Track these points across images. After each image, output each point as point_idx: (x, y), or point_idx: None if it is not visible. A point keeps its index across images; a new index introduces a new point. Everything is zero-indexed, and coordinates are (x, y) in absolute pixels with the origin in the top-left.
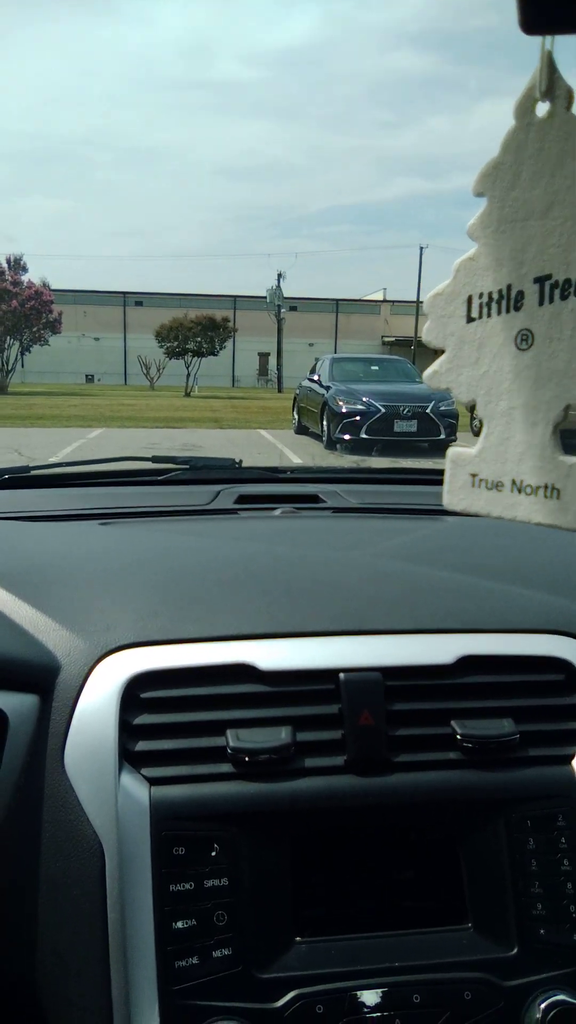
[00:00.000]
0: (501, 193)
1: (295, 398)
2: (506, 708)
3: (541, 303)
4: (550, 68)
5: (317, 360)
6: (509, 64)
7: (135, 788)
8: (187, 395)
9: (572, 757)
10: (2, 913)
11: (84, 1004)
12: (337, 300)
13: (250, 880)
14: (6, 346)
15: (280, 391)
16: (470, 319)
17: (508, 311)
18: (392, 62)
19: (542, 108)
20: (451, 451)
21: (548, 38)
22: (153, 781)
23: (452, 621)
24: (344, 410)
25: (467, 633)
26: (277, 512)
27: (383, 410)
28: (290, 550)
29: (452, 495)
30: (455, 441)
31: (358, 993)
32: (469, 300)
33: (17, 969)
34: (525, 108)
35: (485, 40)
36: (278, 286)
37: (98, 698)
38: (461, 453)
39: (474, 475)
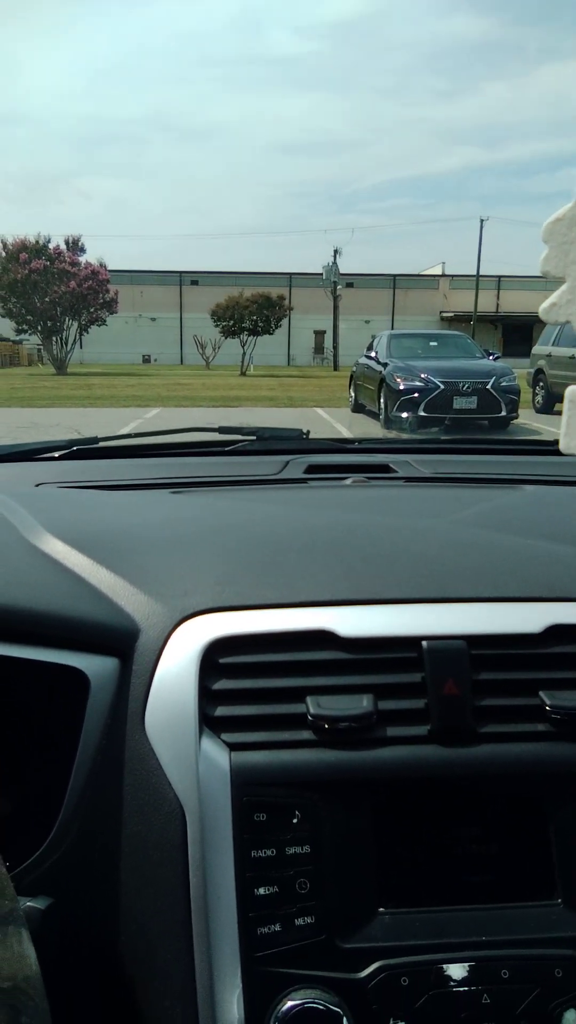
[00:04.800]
0: None
1: (351, 376)
2: None
3: None
4: None
5: (374, 337)
6: (572, 22)
7: (215, 753)
8: (242, 374)
9: None
10: (87, 874)
11: (167, 967)
12: (394, 275)
13: (332, 849)
14: (65, 326)
15: (336, 369)
16: None
17: None
18: (448, 28)
19: None
20: (570, 390)
21: None
22: (233, 746)
23: (540, 589)
24: (402, 387)
25: (556, 602)
26: (348, 481)
27: (442, 387)
28: (366, 517)
29: (571, 437)
30: (516, 418)
31: (444, 966)
32: None
33: (101, 930)
34: None
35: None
36: (334, 262)
37: (177, 662)
38: None
39: None
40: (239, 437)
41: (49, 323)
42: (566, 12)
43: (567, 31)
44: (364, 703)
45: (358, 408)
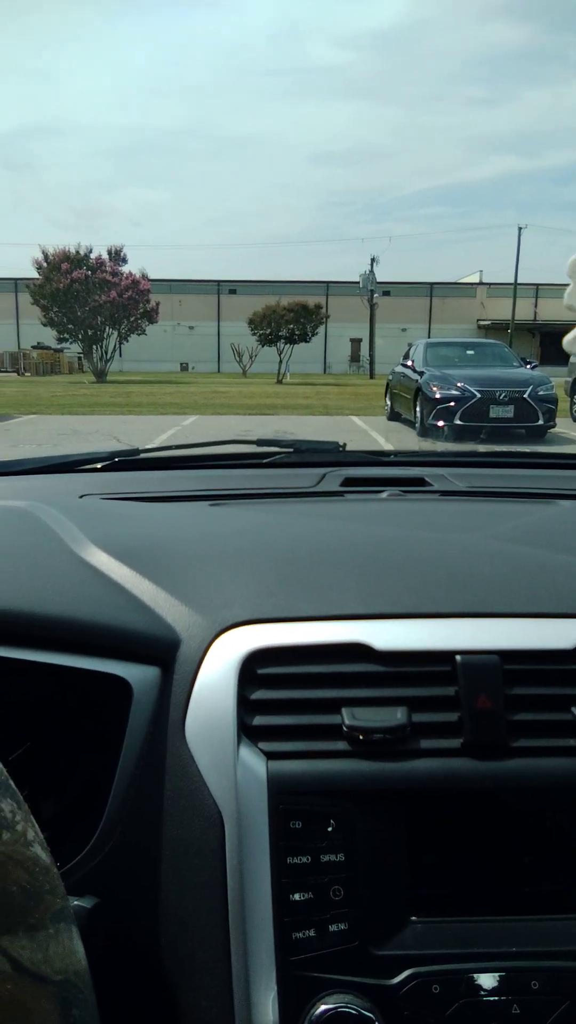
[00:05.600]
0: None
1: (388, 384)
2: None
3: None
4: None
5: (410, 345)
6: None
7: (253, 761)
8: (279, 382)
9: None
10: (128, 876)
11: (205, 969)
12: (431, 284)
13: (366, 857)
14: (106, 335)
15: (372, 377)
16: None
17: None
18: (485, 36)
19: None
20: None
21: None
22: (270, 755)
23: (573, 606)
24: (438, 396)
25: None
26: (384, 495)
27: (479, 395)
28: (401, 531)
29: None
30: (554, 427)
31: (475, 976)
32: None
33: (141, 931)
34: None
35: None
36: (371, 271)
37: (217, 672)
38: None
39: None
40: (276, 449)
41: (90, 332)
42: None
43: None
44: (398, 715)
45: (394, 416)
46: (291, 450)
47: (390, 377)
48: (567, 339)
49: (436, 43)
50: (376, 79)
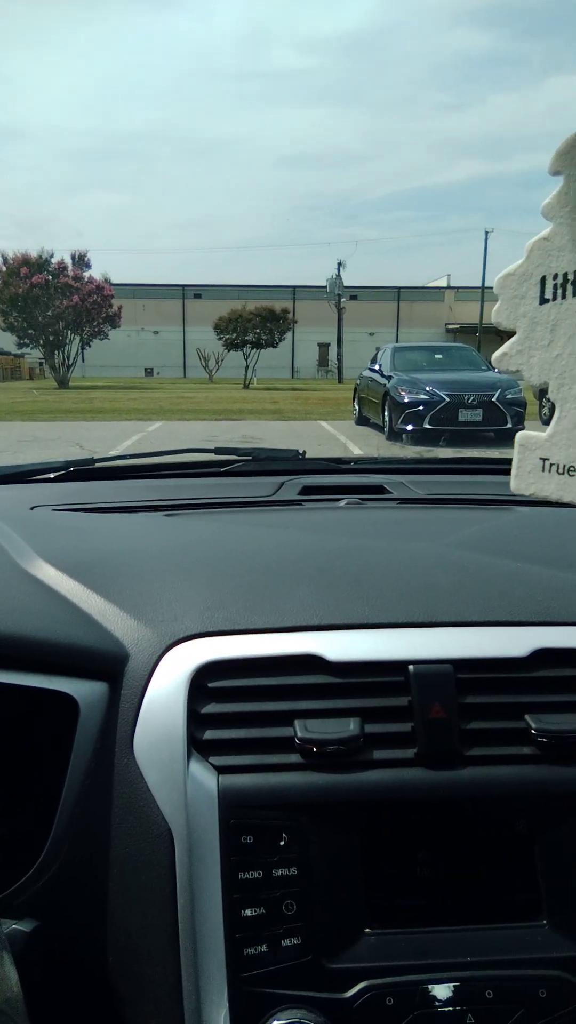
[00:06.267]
0: None
1: (356, 388)
2: None
3: None
4: None
5: (378, 349)
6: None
7: (203, 776)
8: (246, 387)
9: None
10: (75, 895)
11: (154, 988)
12: (399, 288)
13: (319, 870)
14: (67, 340)
15: (340, 382)
16: (543, 300)
17: None
18: (451, 42)
19: None
20: (520, 435)
21: None
22: (221, 769)
23: (526, 613)
24: (407, 400)
25: (542, 626)
26: (342, 503)
27: (447, 399)
28: (357, 541)
29: (520, 480)
30: (523, 430)
31: (429, 987)
32: (543, 281)
33: (89, 950)
34: None
35: (550, 13)
36: (338, 275)
37: (166, 687)
38: (531, 437)
39: (544, 459)
40: (235, 458)
41: (51, 337)
42: (569, 26)
43: (571, 44)
44: (351, 726)
45: (362, 421)
46: (249, 458)
47: (358, 382)
48: (496, 355)
49: (403, 48)
50: (343, 83)
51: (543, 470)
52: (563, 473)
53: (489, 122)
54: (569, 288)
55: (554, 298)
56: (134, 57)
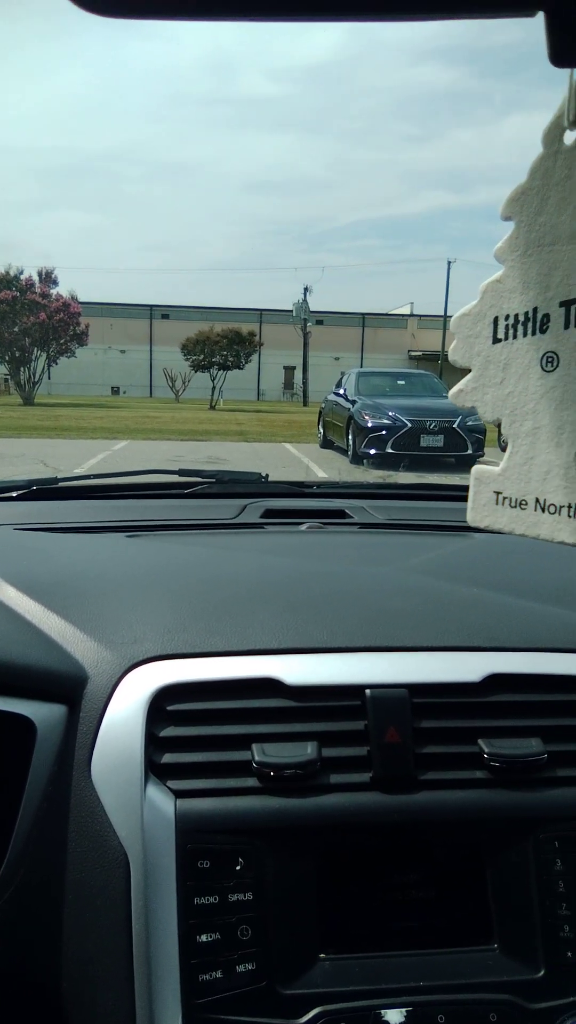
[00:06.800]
0: (528, 218)
1: (320, 412)
2: (534, 727)
3: (567, 326)
4: None
5: (343, 374)
6: (535, 78)
7: (161, 800)
8: (212, 408)
9: None
10: (29, 920)
11: (108, 1015)
12: (364, 314)
13: (275, 895)
14: (33, 357)
15: (305, 405)
16: (496, 340)
17: (534, 333)
18: (417, 76)
19: (570, 136)
20: (475, 469)
21: None
22: (179, 794)
23: (480, 639)
24: (370, 424)
25: (495, 651)
26: (303, 527)
27: (409, 424)
28: (317, 565)
29: (476, 512)
30: (483, 456)
31: (382, 1012)
32: (495, 321)
33: (43, 976)
34: (553, 136)
35: (510, 55)
36: (304, 300)
37: (125, 709)
38: (485, 471)
39: (498, 493)
40: (198, 480)
41: (17, 354)
42: (531, 67)
43: (532, 85)
44: (308, 750)
45: (327, 444)
46: (213, 480)
47: (323, 405)
48: (452, 391)
49: (369, 80)
50: (311, 112)
51: (496, 503)
52: (515, 506)
53: (453, 155)
54: (520, 329)
55: (506, 338)
56: (102, 79)
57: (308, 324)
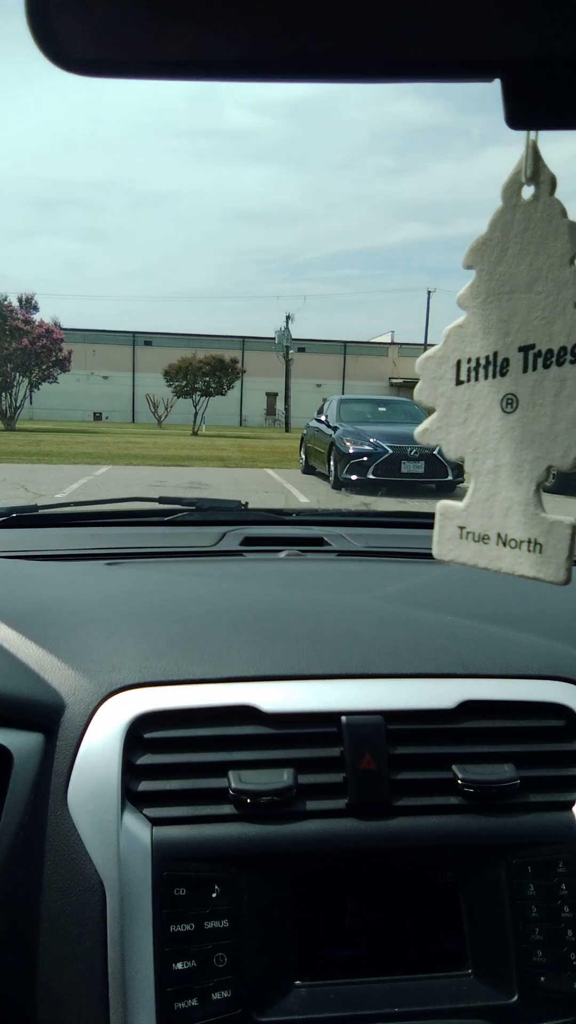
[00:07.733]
0: (489, 267)
1: (302, 438)
2: (507, 753)
3: (525, 370)
4: (535, 156)
5: (325, 401)
6: None
7: (137, 828)
8: (194, 434)
9: (573, 803)
10: (4, 949)
11: None
12: (345, 342)
13: (251, 922)
14: (15, 383)
15: (287, 431)
16: (459, 382)
17: (494, 376)
18: (396, 111)
19: (527, 191)
20: (440, 504)
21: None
22: (155, 821)
23: (454, 666)
24: (351, 451)
25: (468, 678)
26: (282, 554)
27: (390, 451)
28: (294, 593)
29: (441, 546)
30: (462, 482)
31: None
32: (458, 364)
33: (17, 1006)
34: (512, 190)
35: (490, 91)
36: (286, 328)
37: (102, 738)
38: (450, 506)
39: (462, 528)
40: (178, 507)
41: None
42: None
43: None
44: (285, 777)
45: (308, 470)
46: (193, 508)
47: (304, 431)
48: (417, 431)
49: (349, 114)
50: (291, 145)
51: (461, 538)
52: (478, 541)
53: (430, 188)
54: (481, 372)
55: (468, 380)
56: (85, 109)
57: (290, 351)
